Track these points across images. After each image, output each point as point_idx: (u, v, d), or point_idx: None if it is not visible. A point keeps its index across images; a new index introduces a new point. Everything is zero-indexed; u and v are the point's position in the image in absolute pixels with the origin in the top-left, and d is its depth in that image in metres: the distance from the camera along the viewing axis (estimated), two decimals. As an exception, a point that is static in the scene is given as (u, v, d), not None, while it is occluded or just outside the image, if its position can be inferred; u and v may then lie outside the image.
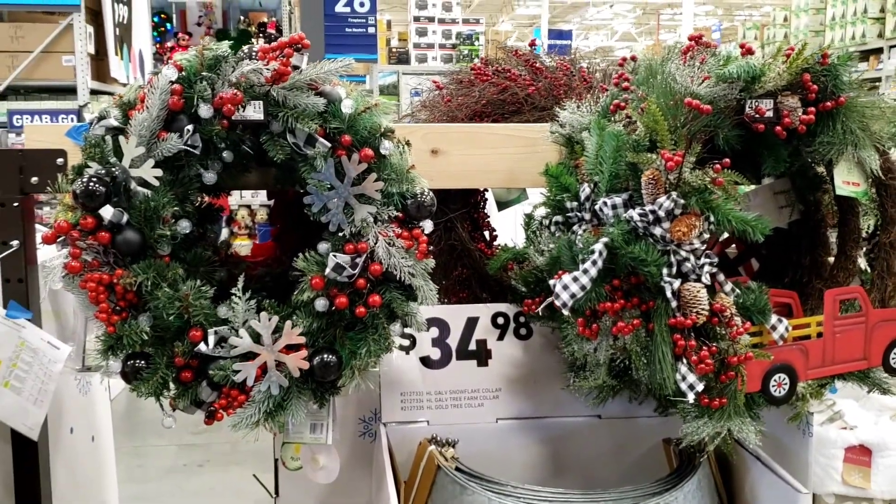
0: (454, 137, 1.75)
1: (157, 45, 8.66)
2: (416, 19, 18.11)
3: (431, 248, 1.96)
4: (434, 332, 1.79)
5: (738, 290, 1.38)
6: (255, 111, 1.27)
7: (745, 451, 1.63)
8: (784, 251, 1.75)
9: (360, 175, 1.30)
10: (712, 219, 1.32)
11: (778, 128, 1.36)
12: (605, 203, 1.38)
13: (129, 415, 4.54)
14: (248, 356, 1.29)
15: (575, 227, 1.49)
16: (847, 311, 1.44)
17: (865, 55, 14.49)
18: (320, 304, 1.31)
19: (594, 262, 1.34)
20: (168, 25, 8.98)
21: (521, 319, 1.80)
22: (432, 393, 1.79)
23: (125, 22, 7.07)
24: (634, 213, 1.33)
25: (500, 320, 1.81)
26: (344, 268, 1.28)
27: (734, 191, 1.34)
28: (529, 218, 1.77)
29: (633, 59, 1.65)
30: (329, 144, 1.29)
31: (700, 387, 1.30)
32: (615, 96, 1.54)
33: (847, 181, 1.47)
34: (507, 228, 2.04)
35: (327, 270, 1.29)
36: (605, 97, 1.56)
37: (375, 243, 1.31)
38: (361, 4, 9.59)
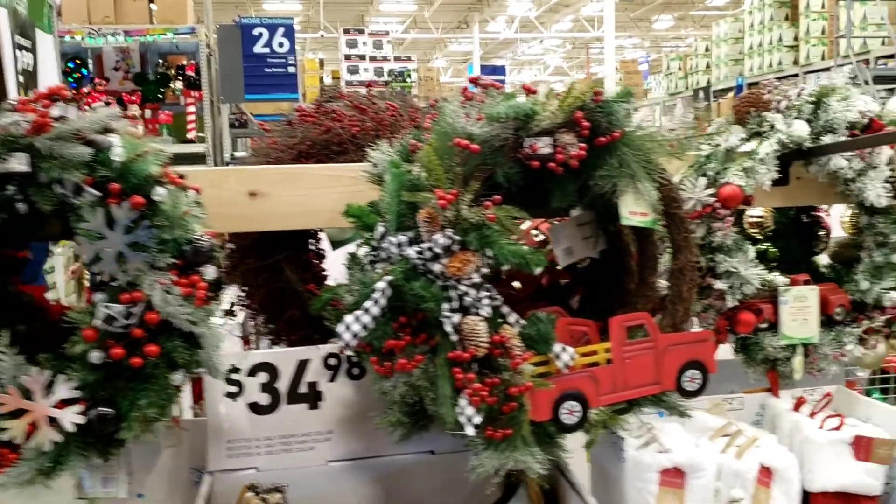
0: (273, 179, 1.76)
1: (73, 91, 8.50)
2: (347, 57, 18.22)
3: (254, 290, 1.95)
4: (263, 377, 1.77)
5: (523, 322, 1.40)
6: (18, 163, 1.26)
7: (564, 479, 1.64)
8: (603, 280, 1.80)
9: (132, 223, 1.29)
10: (490, 253, 1.35)
11: (551, 164, 1.40)
12: (390, 241, 1.40)
13: None
14: (18, 413, 1.26)
15: (375, 266, 1.50)
16: (636, 336, 1.48)
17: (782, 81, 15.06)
18: (94, 356, 1.29)
19: (376, 301, 1.35)
20: (84, 71, 8.84)
21: (354, 359, 1.80)
22: (261, 439, 1.77)
23: (30, 69, 6.96)
24: (412, 251, 1.35)
25: (333, 361, 1.81)
26: (115, 318, 1.27)
27: (512, 225, 1.37)
28: (353, 257, 1.78)
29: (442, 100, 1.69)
30: (97, 193, 1.28)
31: (478, 419, 1.31)
32: (415, 136, 1.57)
33: (633, 212, 1.52)
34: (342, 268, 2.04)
35: (97, 321, 1.27)
36: (404, 138, 1.59)
37: (152, 292, 1.30)
38: (281, 45, 9.59)
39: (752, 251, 1.85)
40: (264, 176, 1.75)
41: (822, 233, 2.14)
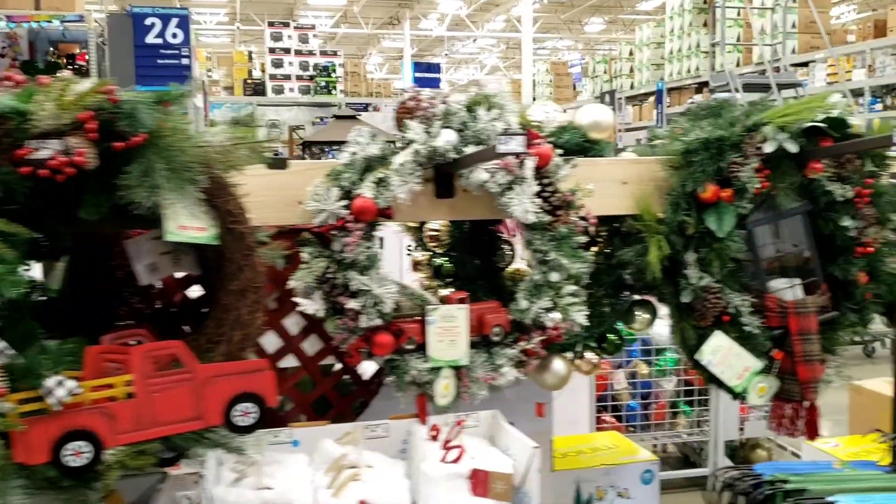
0: None
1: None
2: (272, 51, 17.86)
3: None
4: None
5: (11, 351, 1.24)
6: None
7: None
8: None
9: None
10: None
11: (43, 171, 1.24)
12: None
13: None
14: None
15: None
16: (166, 367, 1.33)
17: (700, 87, 15.25)
18: None
19: None
20: (-33, 56, 8.45)
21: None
22: None
23: None
24: None
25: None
26: None
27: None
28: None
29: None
30: None
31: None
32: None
33: (185, 226, 1.37)
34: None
35: None
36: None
37: None
38: (174, 36, 9.30)
39: (382, 268, 1.72)
40: None
41: (505, 247, 2.02)
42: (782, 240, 2.04)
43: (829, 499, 1.65)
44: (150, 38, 9.24)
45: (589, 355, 2.08)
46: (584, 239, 1.85)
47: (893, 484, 1.77)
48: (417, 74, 22.99)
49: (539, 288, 1.83)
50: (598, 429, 3.85)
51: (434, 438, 1.75)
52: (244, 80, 16.84)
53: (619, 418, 3.90)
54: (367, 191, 1.69)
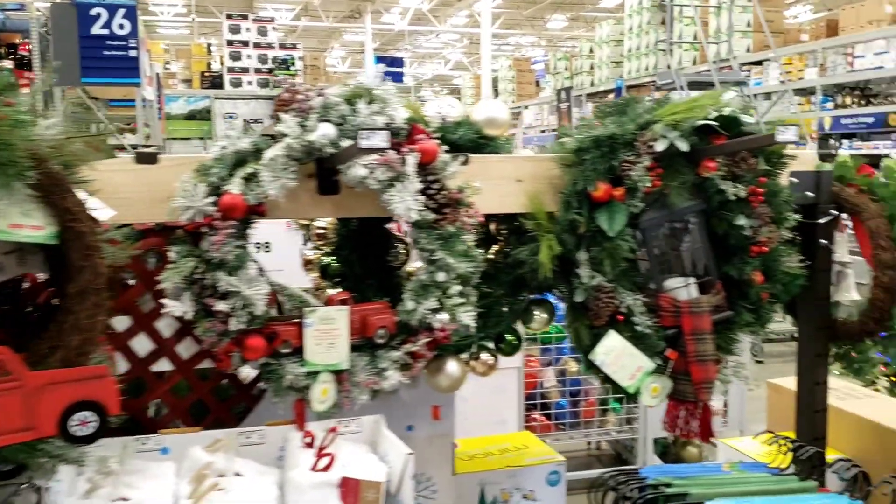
0: None
1: None
2: (230, 43, 17.60)
3: None
4: None
5: None
6: None
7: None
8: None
9: None
10: None
11: None
12: None
13: None
14: None
15: None
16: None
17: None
18: None
19: None
20: None
21: None
22: None
23: None
24: None
25: None
26: None
27: None
28: None
29: None
30: None
31: None
32: None
33: (18, 224, 1.29)
34: None
35: None
36: None
37: None
38: (121, 27, 9.09)
39: (253, 268, 1.65)
40: None
41: (399, 245, 1.97)
42: (677, 239, 2.01)
43: (708, 503, 1.63)
44: (96, 29, 9.01)
45: (485, 356, 2.04)
46: (471, 238, 1.80)
47: (778, 487, 1.75)
48: (382, 68, 22.85)
49: (426, 288, 1.77)
50: (528, 427, 3.82)
51: (309, 445, 1.68)
52: (202, 73, 16.59)
53: (548, 416, 3.87)
54: (235, 187, 1.62)
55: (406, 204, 1.71)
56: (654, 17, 15.65)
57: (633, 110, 2.04)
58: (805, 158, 2.22)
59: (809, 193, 2.15)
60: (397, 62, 23.44)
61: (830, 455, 2.63)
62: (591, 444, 4.48)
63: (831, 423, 2.62)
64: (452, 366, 1.96)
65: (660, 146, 1.89)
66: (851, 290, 2.26)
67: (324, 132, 1.68)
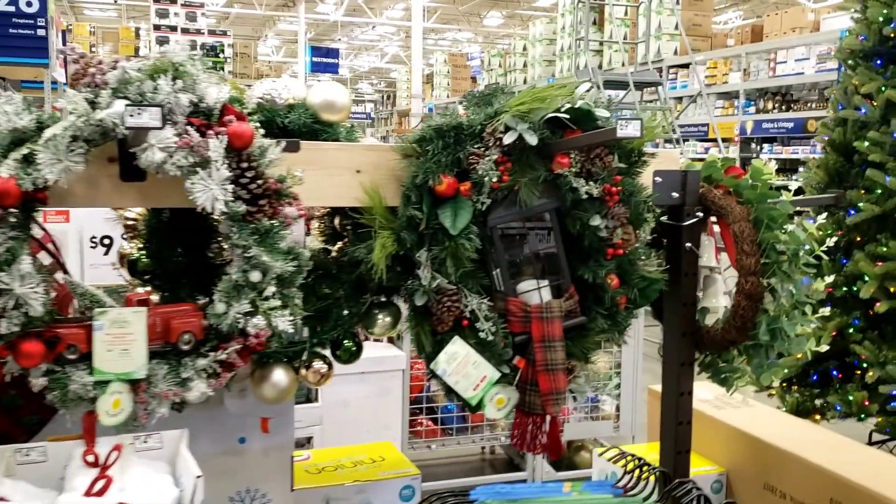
0: None
1: None
2: (157, 28, 17.03)
3: None
4: None
5: None
6: None
7: None
8: None
9: None
10: None
11: None
12: None
13: None
14: None
15: None
16: None
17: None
18: None
19: None
20: None
21: None
22: None
23: None
24: None
25: None
26: None
27: None
28: None
29: None
30: None
31: None
32: None
33: None
34: None
35: None
36: None
37: None
38: (29, 4, 8.61)
39: (28, 262, 1.44)
40: None
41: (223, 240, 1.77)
42: (528, 239, 1.87)
43: (534, 529, 1.50)
44: (1, 6, 8.55)
45: (318, 364, 1.86)
46: (289, 233, 1.62)
47: (617, 508, 1.63)
48: (315, 59, 22.45)
49: (238, 289, 1.58)
50: (413, 433, 3.67)
51: (92, 465, 1.48)
52: (128, 58, 15.97)
53: (435, 421, 3.73)
54: (4, 170, 1.41)
55: (211, 193, 1.52)
56: (587, 17, 15.75)
57: (499, 101, 1.90)
58: (673, 157, 2.12)
59: (675, 194, 2.05)
60: (333, 53, 23.08)
61: (701, 467, 2.55)
62: (484, 448, 4.36)
63: (704, 433, 2.54)
64: (280, 375, 1.78)
65: (508, 138, 1.74)
66: (719, 295, 2.16)
67: (115, 110, 1.48)
